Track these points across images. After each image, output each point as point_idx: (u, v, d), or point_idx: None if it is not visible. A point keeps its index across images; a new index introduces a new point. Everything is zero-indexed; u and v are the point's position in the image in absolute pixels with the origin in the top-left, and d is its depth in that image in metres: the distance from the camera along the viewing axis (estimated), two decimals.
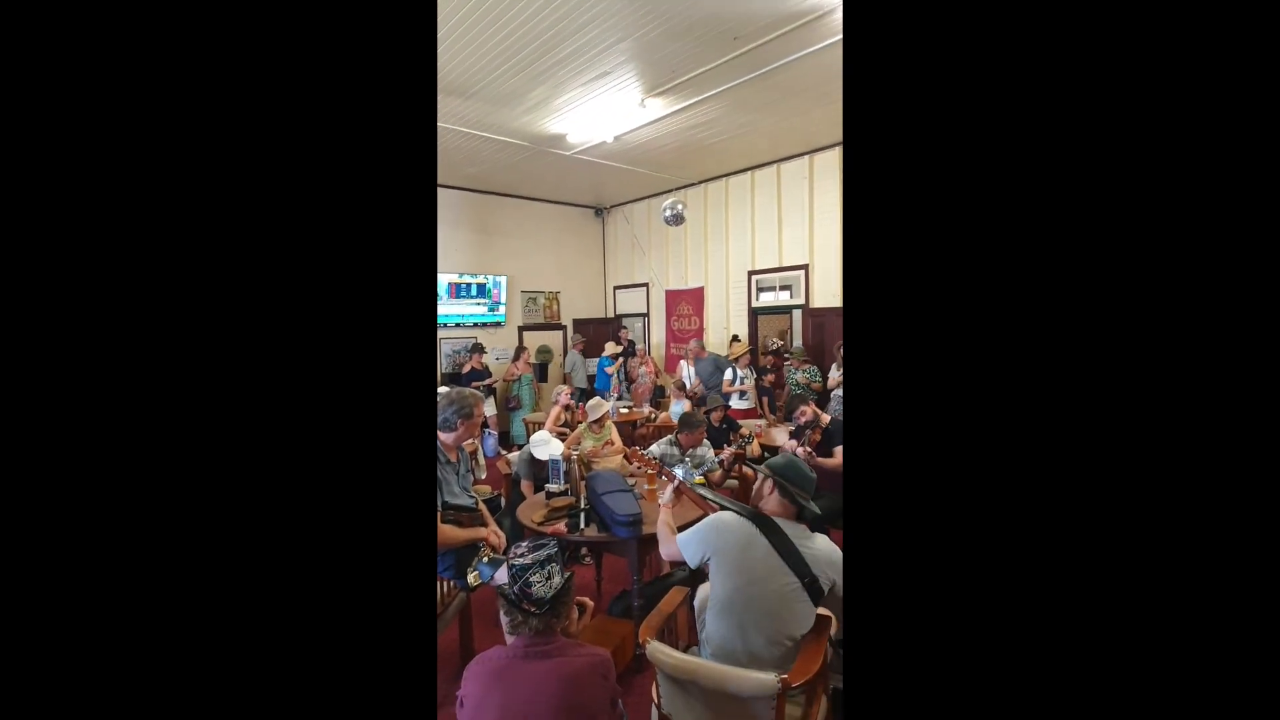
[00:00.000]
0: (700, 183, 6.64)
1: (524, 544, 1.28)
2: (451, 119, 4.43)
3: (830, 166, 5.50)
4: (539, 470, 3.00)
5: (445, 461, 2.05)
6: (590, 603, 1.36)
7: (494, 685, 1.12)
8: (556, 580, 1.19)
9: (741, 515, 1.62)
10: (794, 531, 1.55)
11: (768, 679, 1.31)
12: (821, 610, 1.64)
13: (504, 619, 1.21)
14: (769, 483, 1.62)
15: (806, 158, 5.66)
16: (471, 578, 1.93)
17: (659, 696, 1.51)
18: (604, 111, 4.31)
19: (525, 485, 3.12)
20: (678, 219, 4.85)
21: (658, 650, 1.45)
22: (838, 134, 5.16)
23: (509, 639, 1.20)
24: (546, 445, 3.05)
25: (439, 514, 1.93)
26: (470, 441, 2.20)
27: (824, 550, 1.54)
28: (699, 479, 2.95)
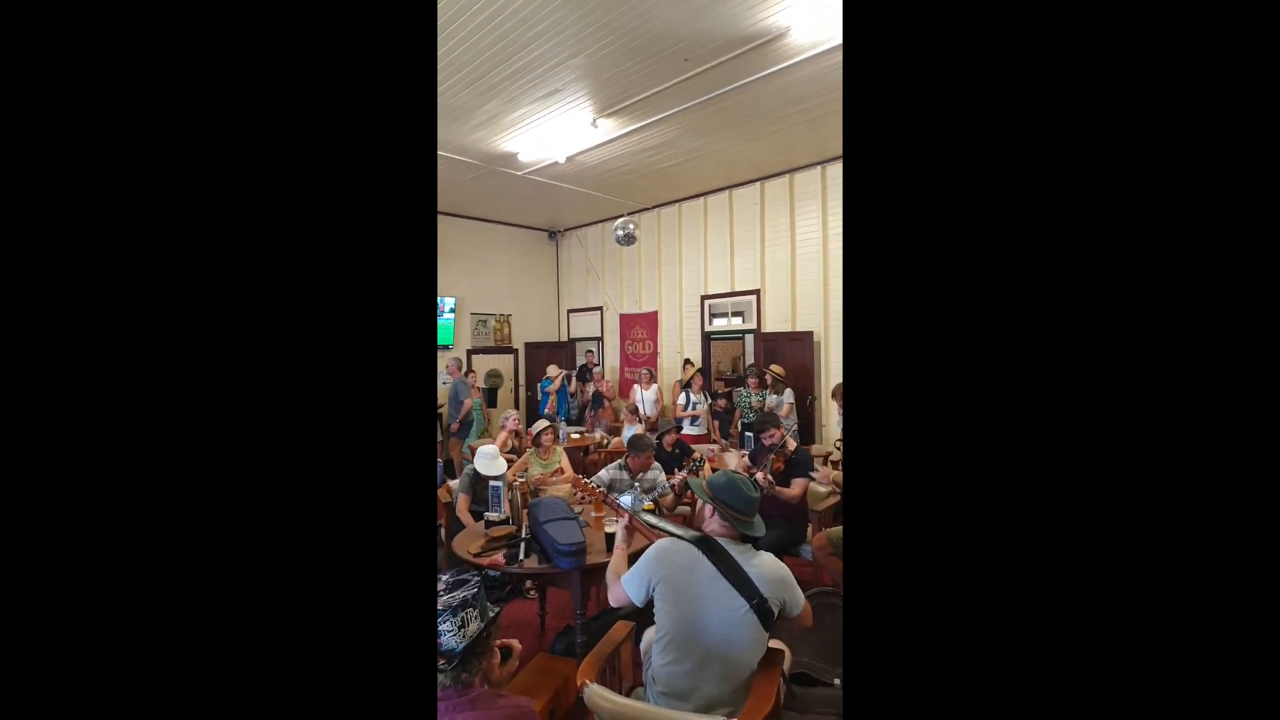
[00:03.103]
0: (654, 207, 6.70)
1: (444, 578, 1.11)
2: None
3: (781, 193, 5.65)
4: (482, 490, 2.82)
5: None
6: (517, 646, 1.18)
7: None
8: (472, 627, 1.04)
9: (684, 539, 1.51)
10: (738, 551, 1.45)
11: None
12: (774, 643, 1.54)
13: None
14: (709, 505, 1.52)
15: (758, 184, 5.80)
16: None
17: None
18: (556, 131, 4.28)
19: (462, 501, 2.91)
20: (629, 239, 4.83)
21: (596, 694, 1.29)
22: (787, 161, 5.32)
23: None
24: (493, 461, 2.89)
25: None
26: None
27: (770, 568, 1.44)
28: (648, 505, 2.81)
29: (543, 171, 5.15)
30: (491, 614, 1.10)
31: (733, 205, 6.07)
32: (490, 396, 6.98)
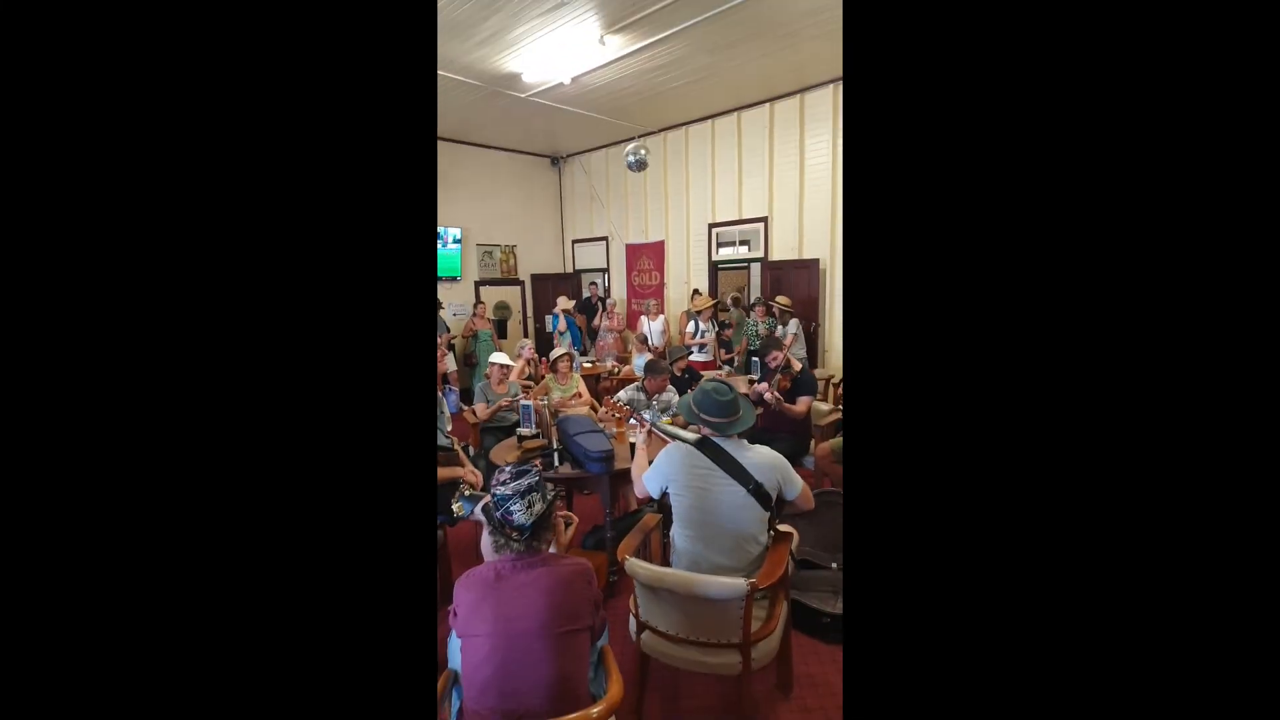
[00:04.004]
0: (660, 131, 6.52)
1: (508, 470, 1.31)
2: None
3: (790, 116, 5.50)
4: (494, 395, 3.29)
5: None
6: (575, 517, 1.43)
7: (487, 594, 1.17)
8: (538, 508, 1.24)
9: (687, 442, 1.74)
10: (732, 446, 1.67)
11: (738, 582, 1.42)
12: (784, 527, 1.78)
13: (489, 539, 1.25)
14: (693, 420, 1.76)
15: (766, 105, 5.63)
16: (456, 508, 1.97)
17: (636, 607, 1.61)
18: (561, 49, 4.14)
19: (481, 407, 3.27)
20: (641, 164, 4.78)
21: (635, 564, 1.53)
22: (799, 80, 5.15)
23: (494, 558, 1.25)
24: (501, 354, 3.47)
25: None
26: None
27: (763, 457, 1.67)
28: (666, 420, 3.04)
29: (547, 94, 5.00)
30: (550, 495, 1.30)
31: (741, 129, 5.91)
32: (500, 328, 7.13)
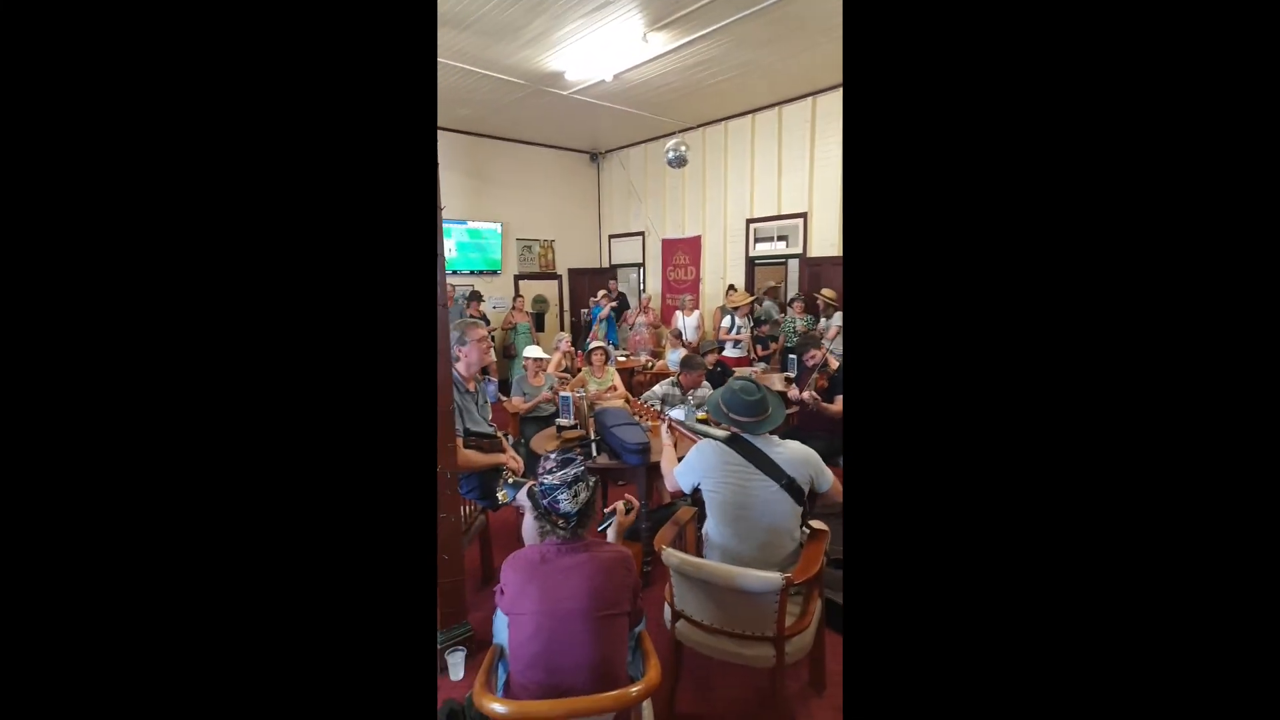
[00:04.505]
0: (699, 126, 6.51)
1: (553, 458, 1.36)
2: (445, 53, 4.28)
3: (833, 109, 5.40)
4: (528, 389, 3.42)
5: (464, 391, 2.13)
6: (636, 502, 1.55)
7: (533, 575, 1.24)
8: (583, 496, 1.29)
9: (718, 439, 1.77)
10: (762, 443, 1.70)
11: (775, 576, 1.45)
12: (817, 524, 1.80)
13: (534, 524, 1.31)
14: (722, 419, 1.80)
15: (809, 100, 5.55)
16: (501, 495, 2.05)
17: (672, 596, 1.66)
18: (604, 47, 4.19)
19: (518, 401, 3.39)
20: (680, 160, 4.79)
21: (673, 554, 1.58)
22: (840, 76, 5.04)
23: (536, 541, 1.31)
24: (535, 348, 3.66)
25: (461, 440, 2.03)
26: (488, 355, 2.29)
27: (794, 452, 1.69)
28: (700, 415, 3.08)
29: (588, 91, 5.07)
30: (593, 483, 1.36)
31: (782, 123, 5.85)
32: (538, 321, 7.28)
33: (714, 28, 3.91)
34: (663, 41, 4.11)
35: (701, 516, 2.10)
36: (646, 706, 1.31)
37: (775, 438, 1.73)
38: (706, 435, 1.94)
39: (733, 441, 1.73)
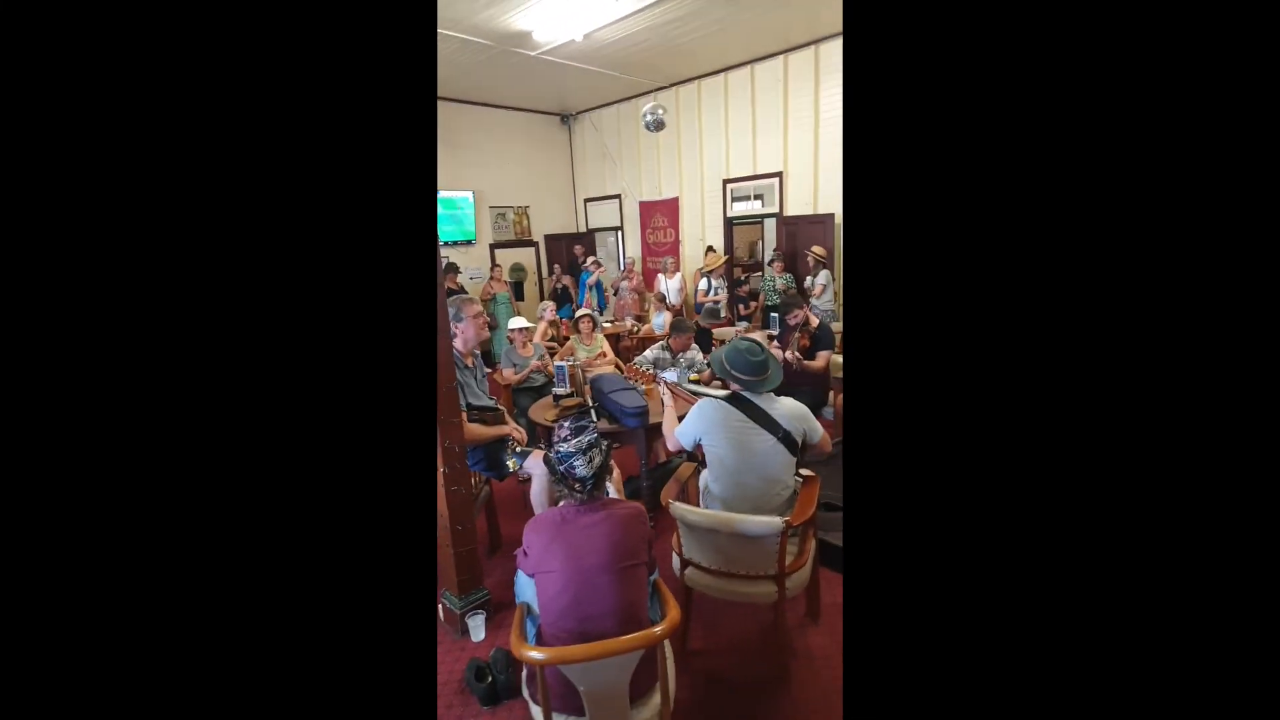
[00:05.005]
0: (671, 86, 6.39)
1: (567, 426, 1.45)
2: None
3: (805, 67, 5.37)
4: (518, 360, 3.42)
5: (463, 367, 2.18)
6: (615, 465, 1.63)
7: (556, 534, 1.34)
8: (598, 460, 1.38)
9: (718, 398, 1.88)
10: (760, 400, 1.83)
11: (775, 520, 1.59)
12: (807, 472, 1.94)
13: (542, 490, 1.39)
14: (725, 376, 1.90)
15: (780, 58, 5.50)
16: (511, 465, 2.13)
17: (679, 546, 1.79)
18: (573, 5, 4.05)
19: (509, 372, 3.40)
20: (659, 125, 4.72)
21: (679, 507, 1.70)
22: (813, 32, 5.00)
23: (544, 506, 1.39)
24: (520, 319, 3.62)
25: (464, 414, 2.10)
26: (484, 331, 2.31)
27: (789, 407, 1.83)
28: (693, 376, 3.19)
29: (557, 51, 4.91)
30: (605, 447, 1.45)
31: (754, 82, 5.79)
32: (517, 290, 7.23)
33: None
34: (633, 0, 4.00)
35: (700, 470, 2.24)
36: (666, 645, 1.44)
37: (770, 395, 1.85)
38: (704, 395, 2.05)
39: (733, 399, 1.84)
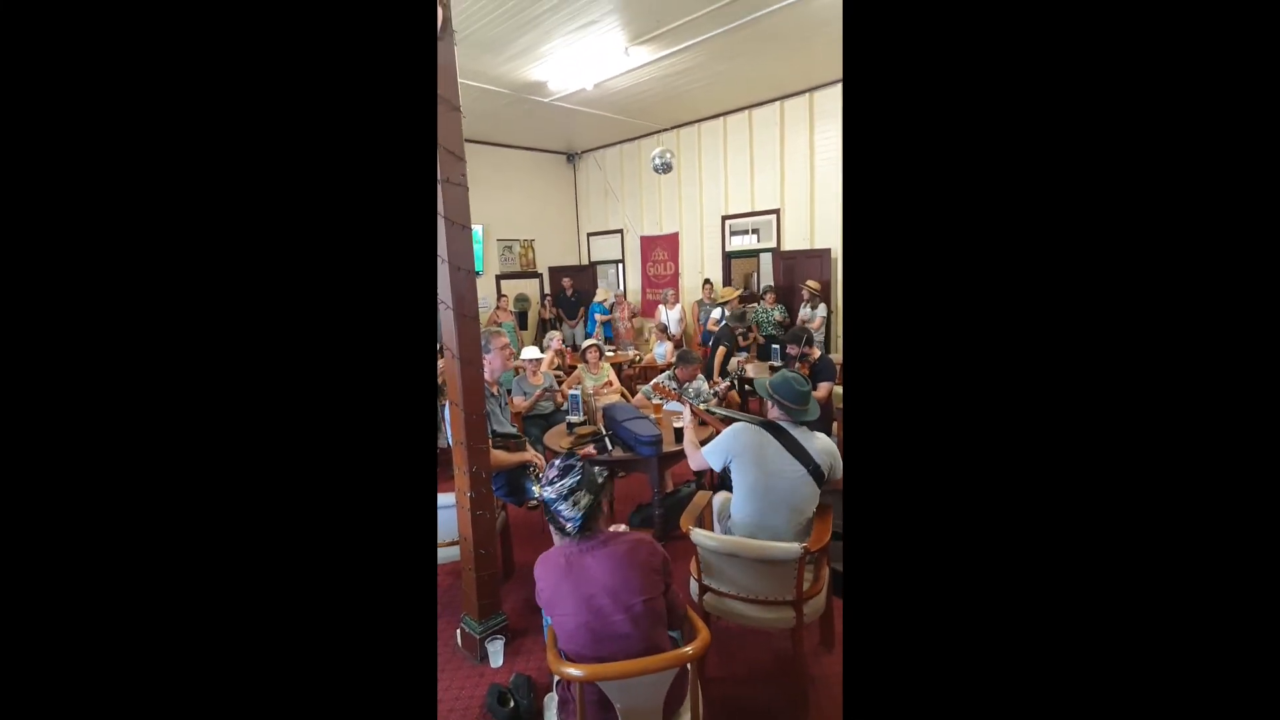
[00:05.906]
0: (673, 128, 6.68)
1: (555, 467, 1.36)
2: None
3: (800, 112, 5.66)
4: (528, 388, 3.52)
5: (490, 395, 2.27)
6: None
7: (563, 577, 1.30)
8: (584, 502, 1.32)
9: (753, 424, 1.97)
10: (797, 432, 1.92)
11: (794, 546, 1.67)
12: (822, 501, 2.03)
13: (552, 529, 1.40)
14: (769, 400, 1.98)
15: (777, 103, 5.80)
16: (537, 490, 2.20)
17: (699, 572, 1.86)
18: (587, 59, 4.31)
19: (519, 400, 3.47)
20: (666, 167, 4.94)
21: (699, 533, 1.78)
22: (807, 80, 5.31)
23: (560, 541, 1.40)
24: (533, 348, 3.75)
25: (490, 441, 2.18)
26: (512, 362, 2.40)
27: (822, 443, 1.93)
28: (702, 406, 3.28)
29: (568, 98, 5.17)
30: (600, 480, 1.36)
31: (752, 125, 6.08)
32: (522, 319, 7.36)
33: (692, 42, 4.08)
34: (643, 54, 4.26)
35: (715, 494, 2.31)
36: (690, 668, 1.48)
37: (805, 428, 1.94)
38: (738, 419, 2.13)
39: (768, 426, 1.92)
